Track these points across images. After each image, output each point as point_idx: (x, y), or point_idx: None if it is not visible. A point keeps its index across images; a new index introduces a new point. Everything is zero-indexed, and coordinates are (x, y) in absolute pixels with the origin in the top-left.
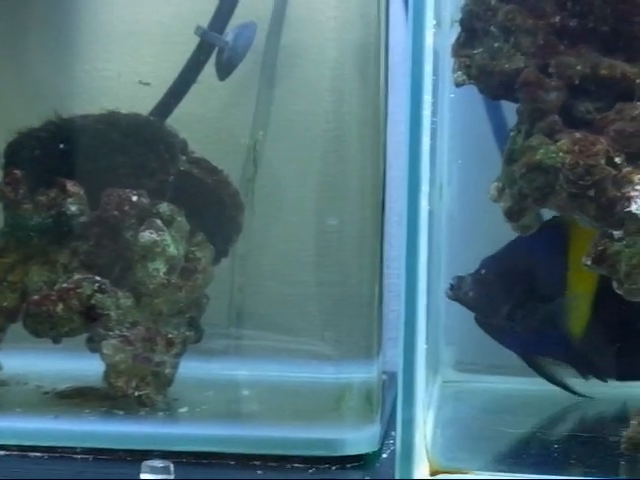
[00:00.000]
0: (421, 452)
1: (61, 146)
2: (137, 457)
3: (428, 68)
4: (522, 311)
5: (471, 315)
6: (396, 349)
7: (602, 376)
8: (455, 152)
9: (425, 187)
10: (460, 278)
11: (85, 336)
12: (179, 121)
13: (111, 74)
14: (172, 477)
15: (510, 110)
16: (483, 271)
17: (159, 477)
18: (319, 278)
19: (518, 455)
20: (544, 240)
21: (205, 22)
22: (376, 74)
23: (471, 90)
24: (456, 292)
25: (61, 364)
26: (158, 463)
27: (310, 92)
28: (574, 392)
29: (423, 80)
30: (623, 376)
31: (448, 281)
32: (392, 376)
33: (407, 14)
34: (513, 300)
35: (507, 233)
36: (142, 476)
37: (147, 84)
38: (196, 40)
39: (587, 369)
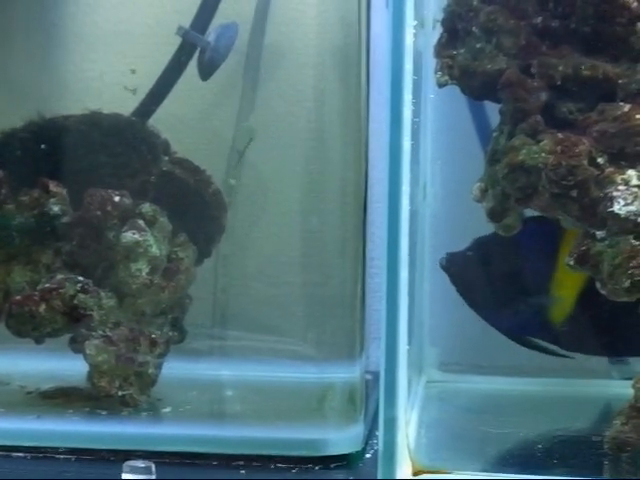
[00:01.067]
0: (403, 452)
1: (43, 146)
2: (120, 457)
3: (408, 67)
4: (508, 294)
5: (455, 315)
6: (379, 349)
7: (587, 352)
8: (438, 152)
9: (406, 187)
10: (452, 255)
11: (68, 336)
12: (162, 122)
13: (96, 74)
14: (154, 477)
15: (493, 110)
16: (470, 252)
17: (140, 477)
18: (302, 278)
19: (501, 455)
20: (535, 229)
21: (188, 23)
22: (357, 74)
23: (454, 90)
24: (447, 267)
25: (44, 364)
26: (140, 463)
27: (293, 93)
28: (557, 354)
29: (403, 79)
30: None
31: (432, 280)
32: (376, 376)
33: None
34: (500, 283)
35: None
36: (124, 476)
37: (133, 90)
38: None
39: (572, 347)
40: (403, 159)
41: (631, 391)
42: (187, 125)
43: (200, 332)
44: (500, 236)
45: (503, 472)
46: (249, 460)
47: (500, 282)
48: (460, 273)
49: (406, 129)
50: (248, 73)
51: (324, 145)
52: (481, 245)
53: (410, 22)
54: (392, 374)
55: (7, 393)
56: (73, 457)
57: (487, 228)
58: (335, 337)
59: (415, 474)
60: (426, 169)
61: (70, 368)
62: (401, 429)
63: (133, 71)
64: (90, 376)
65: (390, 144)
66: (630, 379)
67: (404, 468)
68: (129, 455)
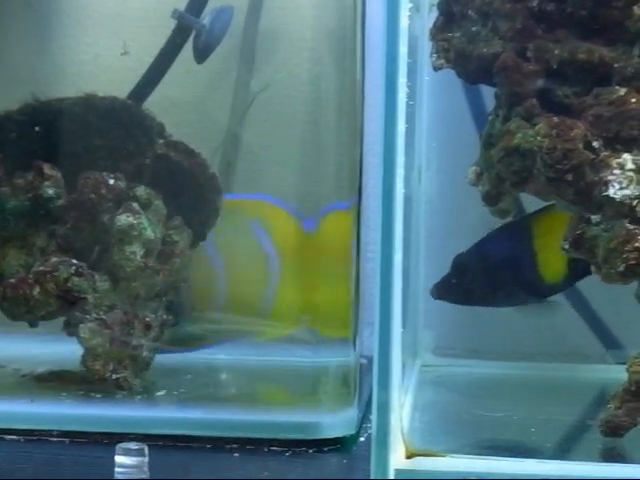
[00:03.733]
0: (397, 435)
1: (38, 129)
2: (114, 440)
3: (403, 50)
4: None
5: None
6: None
7: None
8: (434, 136)
9: (400, 170)
10: (438, 284)
11: (62, 319)
12: (156, 105)
13: (90, 57)
14: (146, 459)
15: (489, 94)
16: (454, 279)
17: (133, 459)
18: None
19: (495, 438)
20: (509, 236)
21: (183, 6)
22: (352, 58)
23: (450, 74)
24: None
25: (38, 347)
26: (132, 445)
27: (288, 76)
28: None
29: (398, 62)
30: None
31: (427, 265)
32: (371, 360)
33: None
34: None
35: (485, 217)
36: (117, 458)
37: (126, 53)
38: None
39: None
40: (398, 142)
41: (625, 375)
42: (182, 108)
43: (194, 316)
44: (474, 250)
45: (497, 456)
46: (243, 443)
47: (491, 285)
48: (454, 295)
49: (401, 113)
50: (243, 56)
51: (319, 129)
52: (460, 264)
53: (405, 5)
54: (386, 357)
55: (1, 376)
56: (67, 440)
57: (481, 212)
58: (330, 321)
59: (408, 457)
60: (421, 153)
61: (64, 351)
62: (394, 412)
63: (126, 52)
64: (84, 359)
65: (385, 127)
66: (624, 363)
67: (397, 451)
68: (123, 438)
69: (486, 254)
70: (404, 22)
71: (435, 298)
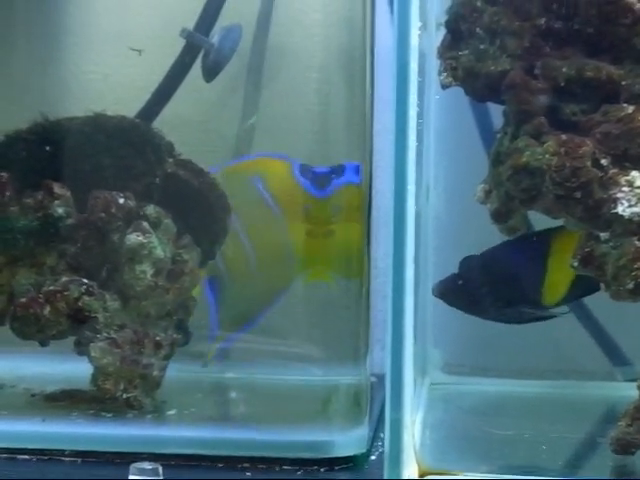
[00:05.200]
0: (409, 453)
1: (48, 148)
2: (126, 459)
3: (414, 67)
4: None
5: (458, 317)
6: (384, 351)
7: None
8: (441, 154)
9: (412, 187)
10: (441, 282)
11: (71, 339)
12: (165, 123)
13: (98, 76)
14: (161, 479)
15: (496, 112)
16: (460, 281)
17: (148, 479)
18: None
19: (507, 456)
20: (525, 248)
21: (191, 24)
22: (362, 76)
23: (457, 92)
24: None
25: (48, 367)
26: (147, 465)
27: (296, 95)
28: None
29: (409, 80)
30: None
31: (434, 281)
32: (380, 378)
33: (392, 16)
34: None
35: (494, 235)
36: (131, 478)
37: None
38: (183, 42)
39: None
40: (409, 159)
41: (635, 393)
42: (190, 127)
43: (204, 334)
44: (485, 255)
45: (508, 474)
46: (254, 462)
47: (495, 291)
48: (455, 296)
49: (412, 130)
50: (251, 74)
51: (328, 146)
52: (468, 267)
53: (416, 23)
54: (398, 374)
55: (12, 396)
56: (79, 459)
57: (489, 230)
58: (340, 339)
59: (421, 475)
60: (429, 170)
61: (73, 371)
62: (407, 430)
63: (139, 53)
64: (95, 379)
65: (396, 144)
66: (634, 381)
67: (410, 469)
68: (135, 457)
69: (495, 262)
70: (414, 39)
71: (435, 296)
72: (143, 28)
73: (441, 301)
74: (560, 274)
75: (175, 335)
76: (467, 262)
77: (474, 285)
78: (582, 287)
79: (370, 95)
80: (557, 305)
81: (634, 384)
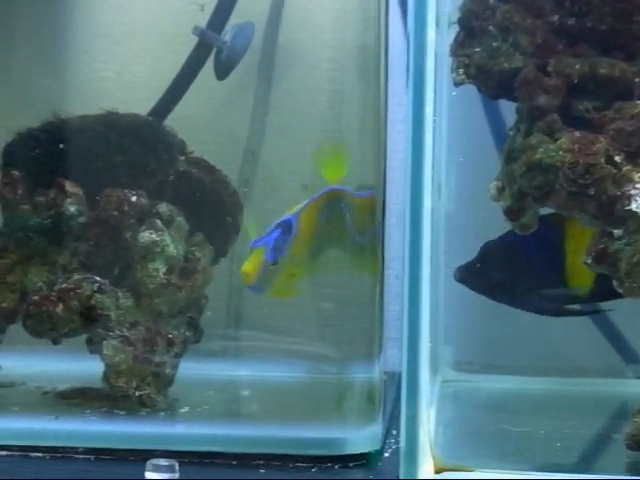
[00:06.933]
0: (425, 449)
1: (60, 146)
2: (139, 457)
3: (430, 65)
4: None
5: (469, 314)
6: (395, 349)
7: None
8: (452, 152)
9: (428, 186)
10: (462, 267)
11: (85, 336)
12: (175, 121)
13: (108, 75)
14: (177, 476)
15: (508, 109)
16: (479, 263)
17: (164, 476)
18: (321, 279)
19: (521, 453)
20: (541, 231)
21: (201, 22)
22: (376, 75)
23: (469, 89)
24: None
25: (57, 365)
26: (163, 462)
27: (307, 93)
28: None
29: (425, 77)
30: None
31: (447, 280)
32: (392, 376)
33: (403, 14)
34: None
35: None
36: (147, 475)
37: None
38: (192, 40)
39: None
40: (425, 157)
41: None
42: (200, 125)
43: (216, 332)
44: (503, 239)
45: (524, 470)
46: (268, 459)
47: (517, 276)
48: (476, 280)
49: (428, 128)
50: (262, 72)
51: (342, 144)
52: (487, 252)
53: (432, 20)
54: (414, 371)
55: (24, 393)
56: (92, 457)
57: (501, 228)
58: (355, 337)
59: (437, 472)
60: (441, 169)
61: (82, 368)
62: (423, 426)
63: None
64: (107, 376)
65: (412, 142)
66: None
67: (426, 466)
68: (148, 455)
69: (514, 246)
70: (430, 35)
71: (457, 280)
72: (150, 26)
73: (452, 299)
74: (579, 256)
75: (187, 333)
76: (486, 247)
77: (493, 270)
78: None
79: (384, 94)
80: (589, 289)
81: None
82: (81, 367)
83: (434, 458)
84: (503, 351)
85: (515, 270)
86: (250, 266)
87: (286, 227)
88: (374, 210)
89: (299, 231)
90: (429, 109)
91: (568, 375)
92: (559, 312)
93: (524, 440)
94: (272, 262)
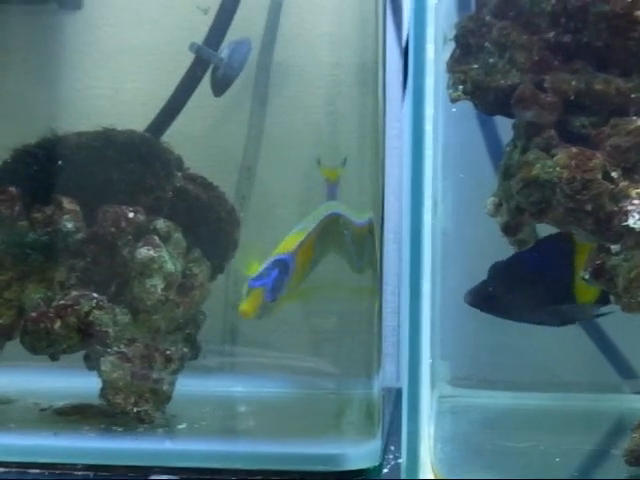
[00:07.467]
0: (426, 465)
1: (57, 163)
2: (138, 473)
3: (430, 82)
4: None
5: (466, 330)
6: (393, 365)
7: None
8: (448, 168)
9: (428, 202)
10: (472, 290)
11: (82, 353)
12: (171, 138)
13: (102, 92)
14: None
15: (504, 125)
16: (490, 286)
17: None
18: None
19: (520, 469)
20: (550, 249)
21: (196, 39)
22: (374, 92)
23: (464, 105)
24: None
25: (58, 381)
26: (164, 477)
27: (302, 110)
28: (594, 315)
29: (425, 94)
30: None
31: (443, 295)
32: (389, 392)
33: (397, 32)
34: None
35: (500, 249)
36: None
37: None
38: (188, 57)
39: None
40: (425, 173)
41: None
42: (195, 142)
43: (213, 349)
44: (512, 259)
45: None
46: (267, 475)
47: (525, 299)
48: (489, 302)
49: (428, 144)
50: (257, 89)
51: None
52: (496, 273)
53: (431, 37)
54: (415, 387)
55: (21, 410)
56: (91, 473)
57: (496, 244)
58: (353, 353)
59: None
60: (437, 185)
61: (80, 385)
62: (424, 442)
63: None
64: (105, 393)
65: (412, 159)
66: None
67: None
68: (147, 471)
69: (523, 265)
70: (430, 53)
71: (467, 304)
72: (145, 43)
73: (448, 314)
74: None
75: (185, 349)
76: (495, 268)
77: (503, 291)
78: None
79: (382, 111)
80: (595, 302)
81: None
82: (79, 383)
83: (435, 473)
84: (500, 366)
85: (526, 288)
86: (249, 307)
87: (284, 266)
88: (373, 237)
89: (296, 268)
90: (429, 127)
91: (565, 390)
92: (566, 321)
93: (524, 456)
94: (271, 301)
